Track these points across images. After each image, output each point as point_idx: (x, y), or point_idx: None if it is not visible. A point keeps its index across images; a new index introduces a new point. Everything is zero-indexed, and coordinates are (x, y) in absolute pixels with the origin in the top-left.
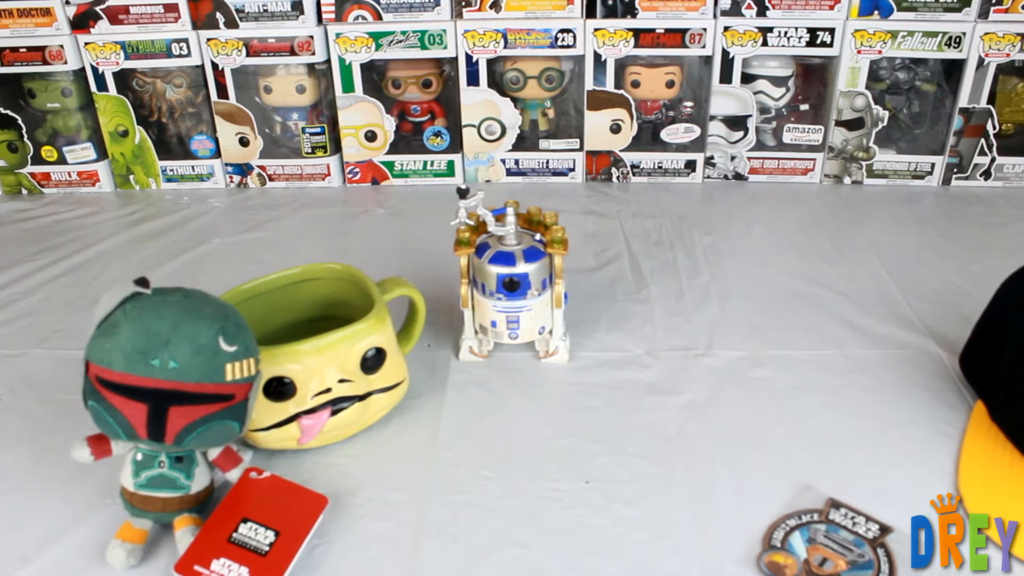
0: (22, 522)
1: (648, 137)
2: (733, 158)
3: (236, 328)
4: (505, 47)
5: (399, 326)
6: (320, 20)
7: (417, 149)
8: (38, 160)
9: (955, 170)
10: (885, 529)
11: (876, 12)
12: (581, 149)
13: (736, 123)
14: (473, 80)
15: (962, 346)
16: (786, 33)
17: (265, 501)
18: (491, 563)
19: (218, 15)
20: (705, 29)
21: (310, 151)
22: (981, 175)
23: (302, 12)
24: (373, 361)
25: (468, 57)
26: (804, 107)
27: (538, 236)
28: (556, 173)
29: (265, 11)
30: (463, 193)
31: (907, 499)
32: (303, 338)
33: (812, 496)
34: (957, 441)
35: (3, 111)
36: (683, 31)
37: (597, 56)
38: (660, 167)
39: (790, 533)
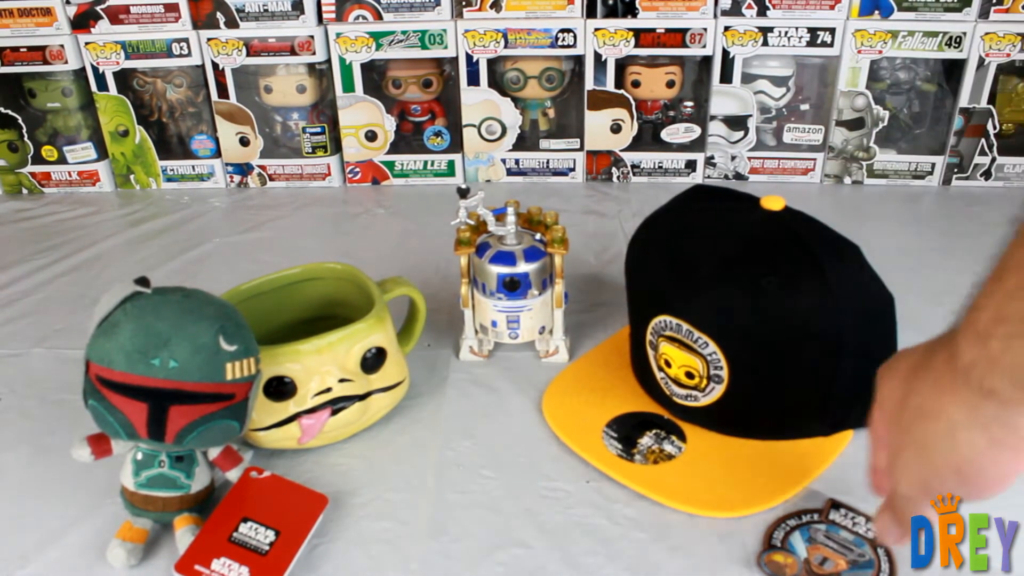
0: (22, 522)
1: (648, 137)
2: (733, 158)
3: (236, 327)
4: (505, 47)
5: (399, 326)
6: (320, 20)
7: (417, 149)
8: (38, 160)
9: (955, 170)
10: None
11: (876, 12)
12: (581, 149)
13: (736, 123)
14: (473, 80)
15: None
16: (786, 33)
17: (265, 501)
18: (491, 562)
19: (218, 15)
20: (705, 29)
21: (310, 151)
22: (981, 175)
23: (302, 12)
24: (373, 361)
25: (468, 57)
26: (804, 107)
27: (538, 236)
28: (556, 173)
29: (265, 11)
30: (463, 193)
31: None
32: (303, 338)
33: (812, 496)
34: None
35: (3, 111)
36: (683, 31)
37: (597, 56)
38: (660, 167)
39: (790, 533)
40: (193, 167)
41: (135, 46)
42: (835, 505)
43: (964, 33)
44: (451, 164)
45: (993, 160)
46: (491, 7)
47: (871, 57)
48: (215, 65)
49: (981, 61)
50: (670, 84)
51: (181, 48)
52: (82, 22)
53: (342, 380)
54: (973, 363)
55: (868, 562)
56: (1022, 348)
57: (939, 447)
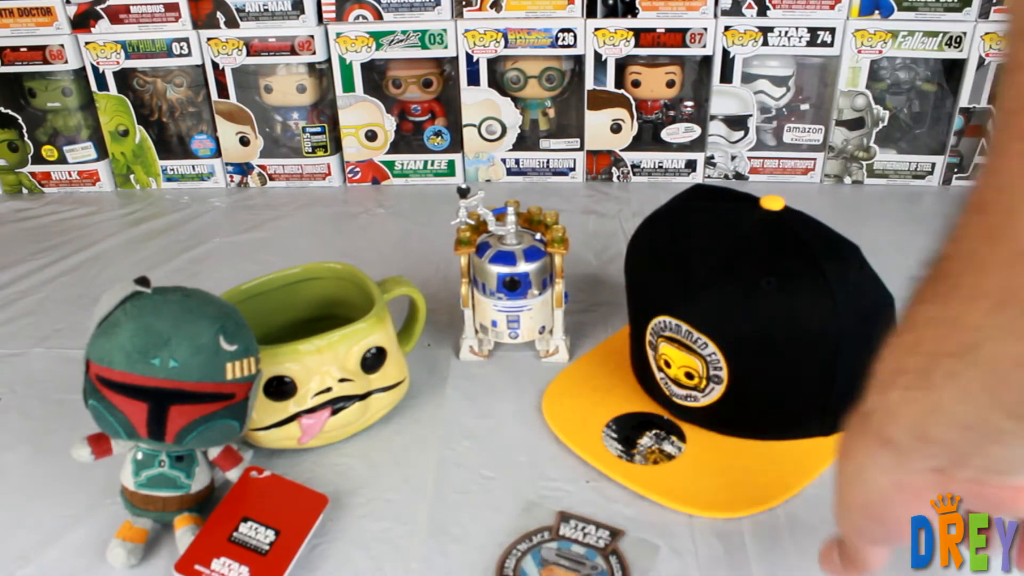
0: (22, 522)
1: (648, 137)
2: (733, 158)
3: (236, 327)
4: (505, 47)
5: (399, 326)
6: (320, 20)
7: (417, 149)
8: (38, 159)
9: (956, 170)
10: (616, 533)
11: (876, 12)
12: (581, 149)
13: (736, 123)
14: (473, 80)
15: None
16: (787, 33)
17: (265, 500)
18: (491, 562)
19: (218, 14)
20: (705, 29)
21: (310, 151)
22: None
23: (302, 12)
24: (373, 360)
25: (468, 57)
26: (804, 107)
27: (538, 235)
28: (556, 173)
29: (265, 11)
30: (463, 192)
31: None
32: (303, 337)
33: (546, 514)
34: None
35: (3, 110)
36: (683, 31)
37: (597, 56)
38: (660, 167)
39: (522, 559)
40: (193, 167)
41: (135, 46)
42: (565, 518)
43: (964, 33)
44: (451, 164)
45: None
46: (491, 7)
47: (871, 57)
48: (215, 65)
49: (981, 61)
50: (670, 84)
51: (181, 48)
52: (82, 22)
53: (342, 380)
54: (873, 411)
55: (601, 573)
56: (918, 400)
57: (851, 486)
